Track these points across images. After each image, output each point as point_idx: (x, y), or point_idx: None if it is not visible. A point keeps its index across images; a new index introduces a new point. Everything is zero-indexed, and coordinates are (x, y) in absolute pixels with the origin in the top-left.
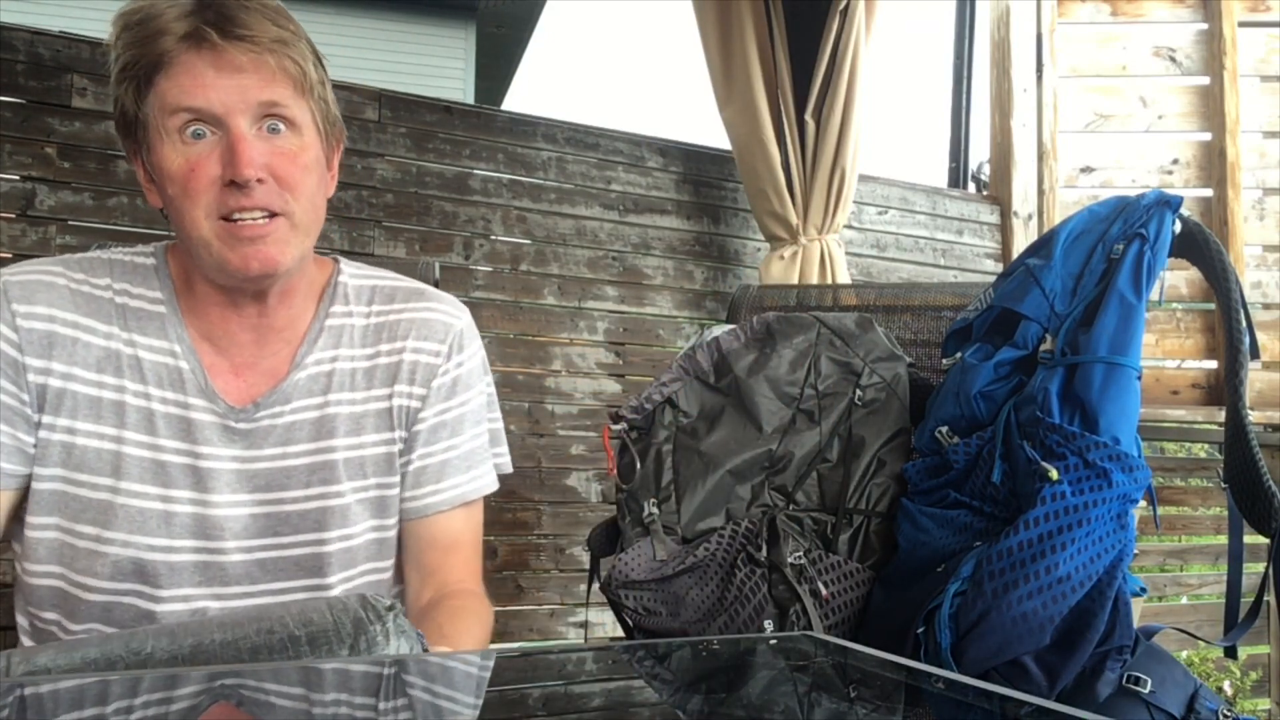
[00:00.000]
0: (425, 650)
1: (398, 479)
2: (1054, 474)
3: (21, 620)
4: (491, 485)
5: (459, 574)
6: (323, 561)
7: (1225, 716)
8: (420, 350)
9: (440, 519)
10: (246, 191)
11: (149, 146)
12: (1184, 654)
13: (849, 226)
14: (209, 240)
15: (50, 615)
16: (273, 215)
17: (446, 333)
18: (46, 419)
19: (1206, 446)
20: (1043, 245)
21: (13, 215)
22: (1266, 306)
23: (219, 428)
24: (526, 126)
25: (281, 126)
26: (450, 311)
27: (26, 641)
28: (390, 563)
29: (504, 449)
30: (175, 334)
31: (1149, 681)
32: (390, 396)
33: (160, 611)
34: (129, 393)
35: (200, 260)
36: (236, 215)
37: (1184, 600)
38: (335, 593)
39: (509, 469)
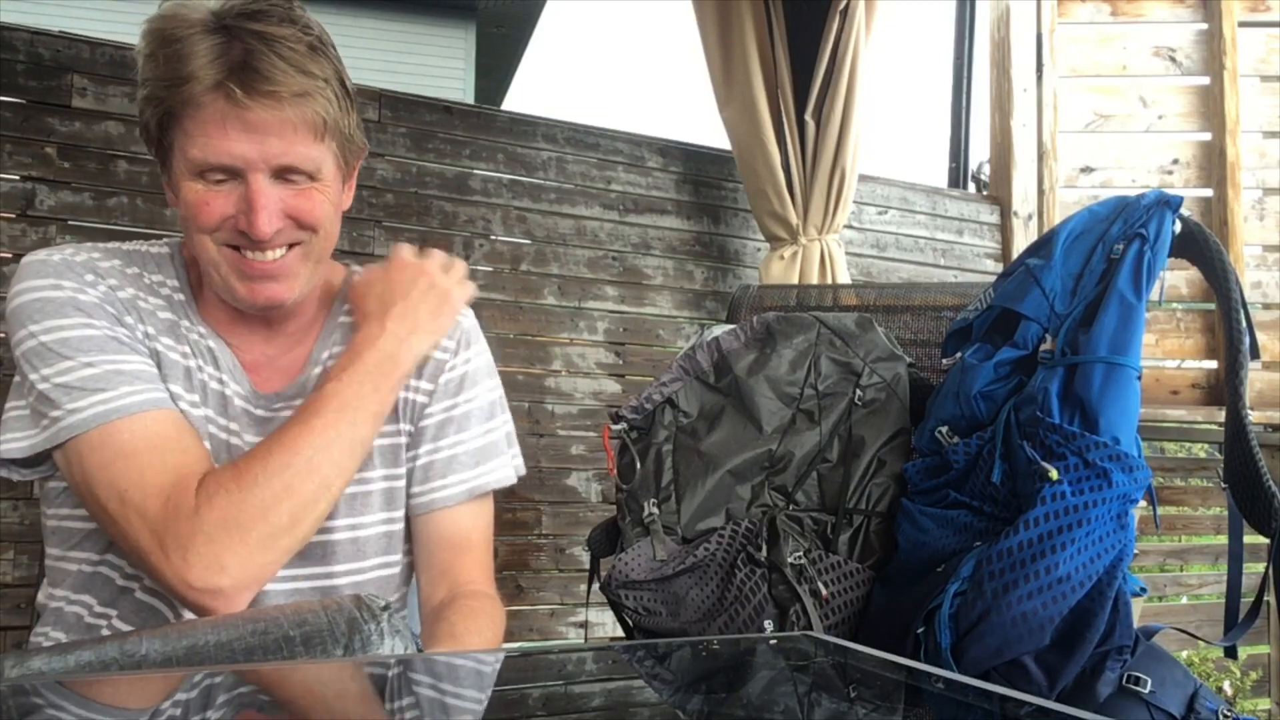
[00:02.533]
0: (419, 651)
1: (403, 471)
2: (1054, 474)
3: (51, 604)
4: (504, 480)
5: (470, 575)
6: (327, 550)
7: (1225, 716)
8: None
9: (449, 515)
10: (260, 242)
11: (170, 167)
12: (1184, 654)
13: (849, 226)
14: (217, 262)
15: (85, 598)
16: (289, 247)
17: (454, 328)
18: None
19: (1206, 446)
20: (1043, 245)
21: (13, 215)
22: (1266, 306)
23: (243, 410)
24: (526, 126)
25: (300, 174)
26: None
27: (52, 630)
28: (398, 558)
29: (516, 451)
30: (196, 320)
31: (1149, 681)
32: None
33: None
34: (192, 362)
35: (208, 277)
36: (248, 253)
37: (1184, 600)
38: (341, 583)
39: (522, 470)
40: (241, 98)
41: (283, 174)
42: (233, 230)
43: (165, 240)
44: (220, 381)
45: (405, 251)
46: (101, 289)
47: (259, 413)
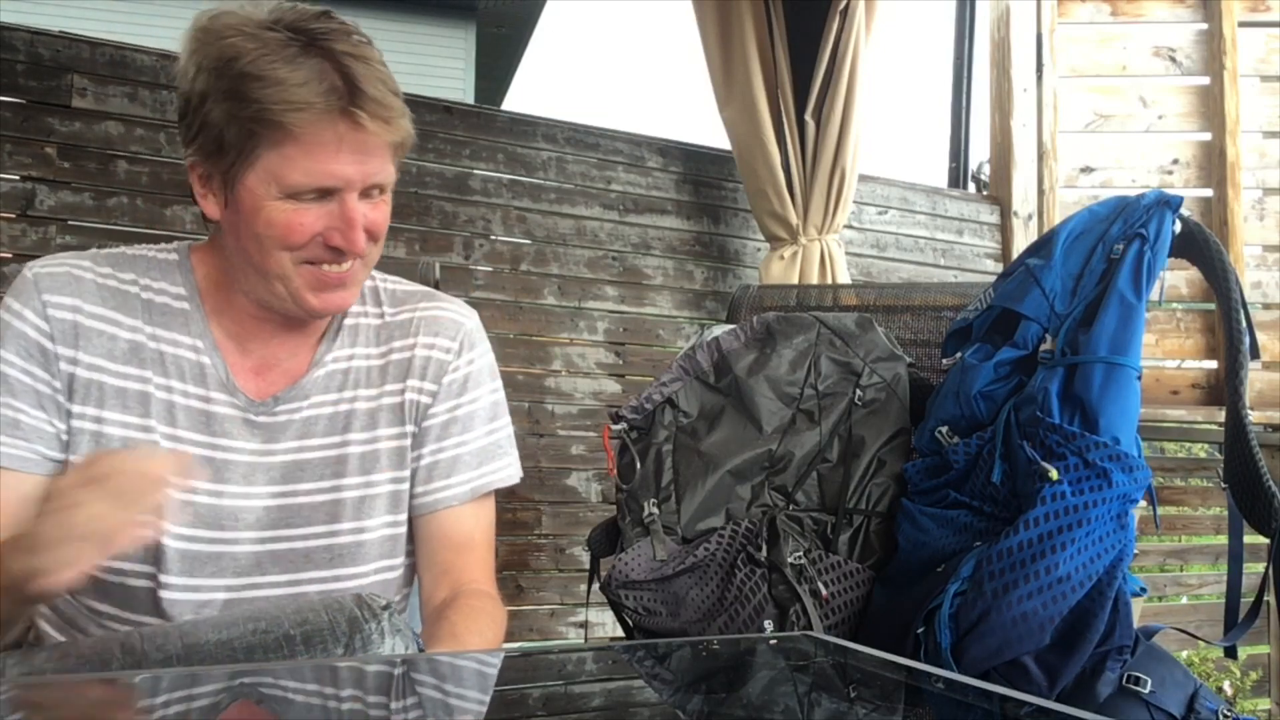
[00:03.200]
0: (420, 650)
1: (409, 473)
2: (1054, 474)
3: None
4: (509, 479)
5: (472, 574)
6: (333, 554)
7: (1225, 716)
8: (432, 346)
9: (452, 514)
10: (349, 256)
11: (240, 179)
12: (1184, 654)
13: (849, 226)
14: (289, 276)
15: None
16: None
17: (457, 330)
18: (76, 408)
19: (1206, 446)
20: (1043, 245)
21: (13, 215)
22: (1266, 306)
23: (239, 421)
24: (526, 126)
25: (375, 192)
26: (460, 311)
27: (44, 626)
28: (400, 560)
29: (515, 455)
30: (198, 330)
31: (1149, 681)
32: (403, 391)
33: (168, 598)
34: (152, 384)
35: (268, 288)
36: (326, 266)
37: (1184, 600)
38: (346, 587)
39: (516, 479)
40: (367, 122)
41: (368, 190)
42: (320, 246)
43: (175, 245)
44: (204, 399)
45: (121, 457)
46: (53, 315)
47: (261, 420)
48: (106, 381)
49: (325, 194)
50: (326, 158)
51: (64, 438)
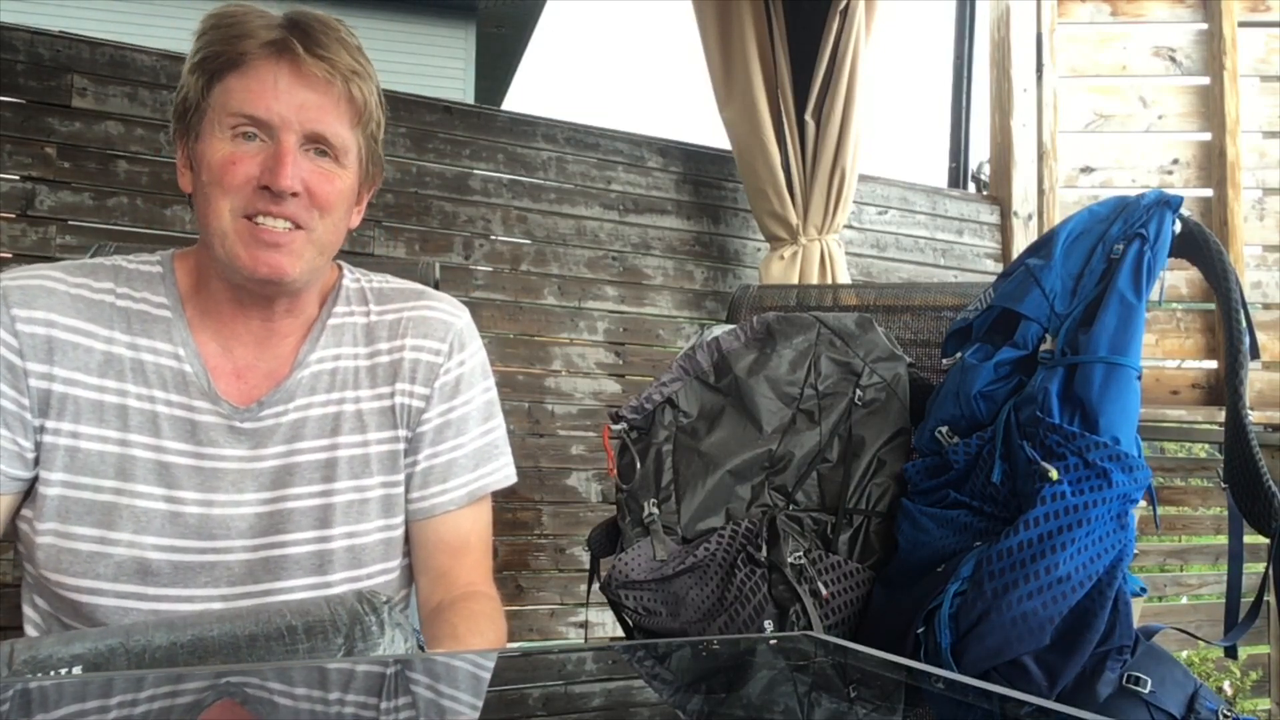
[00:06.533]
0: (421, 647)
1: (402, 477)
2: (1054, 474)
3: (29, 612)
4: (504, 480)
5: (469, 575)
6: (324, 560)
7: (1225, 716)
8: (420, 348)
9: (449, 519)
10: (278, 200)
11: (198, 133)
12: (1184, 654)
13: (849, 226)
14: (226, 232)
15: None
16: (296, 228)
17: (446, 331)
18: (50, 424)
19: (1206, 446)
20: (1043, 245)
21: (13, 215)
22: (1266, 306)
23: (224, 428)
24: (526, 126)
25: (327, 153)
26: (449, 310)
27: (34, 633)
28: (398, 563)
29: (507, 460)
30: (180, 338)
31: (1149, 681)
32: (392, 394)
33: (163, 611)
34: (131, 396)
35: (213, 251)
36: (261, 218)
37: (1184, 600)
38: (340, 591)
39: (513, 479)
40: (301, 50)
41: (312, 142)
42: (254, 191)
43: (159, 256)
44: (187, 408)
45: None
46: (22, 330)
47: (246, 425)
48: (82, 395)
49: (264, 131)
50: (263, 89)
51: (29, 455)
